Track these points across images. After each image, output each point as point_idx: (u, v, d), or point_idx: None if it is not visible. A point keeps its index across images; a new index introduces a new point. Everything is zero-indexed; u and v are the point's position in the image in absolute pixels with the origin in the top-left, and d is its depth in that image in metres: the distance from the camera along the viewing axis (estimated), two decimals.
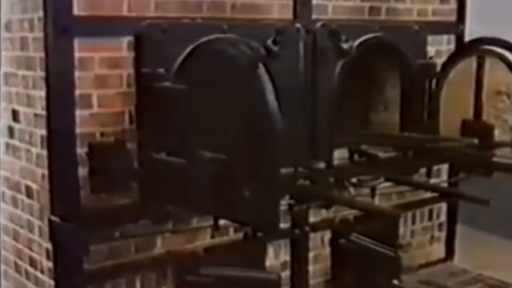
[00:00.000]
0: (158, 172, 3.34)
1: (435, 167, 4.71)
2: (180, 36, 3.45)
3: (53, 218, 3.29)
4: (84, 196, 3.32)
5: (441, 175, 4.84)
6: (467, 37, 4.76)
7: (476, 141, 4.09)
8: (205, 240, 3.78)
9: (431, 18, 4.62)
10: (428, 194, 4.82)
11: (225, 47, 3.04)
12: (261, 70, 2.89)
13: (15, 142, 3.62)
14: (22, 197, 3.62)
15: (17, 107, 3.56)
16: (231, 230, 3.85)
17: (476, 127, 4.19)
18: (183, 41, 3.45)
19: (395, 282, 3.93)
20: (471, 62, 4.21)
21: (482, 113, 4.18)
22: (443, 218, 5.00)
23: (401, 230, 4.74)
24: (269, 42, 3.75)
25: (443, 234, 5.02)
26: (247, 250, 3.96)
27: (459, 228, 5.24)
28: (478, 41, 4.24)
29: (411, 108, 4.49)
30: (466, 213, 5.27)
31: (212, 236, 3.80)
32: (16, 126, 3.60)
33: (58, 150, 3.27)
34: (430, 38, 4.57)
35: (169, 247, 3.65)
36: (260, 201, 2.94)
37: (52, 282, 3.39)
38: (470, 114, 4.25)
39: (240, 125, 2.98)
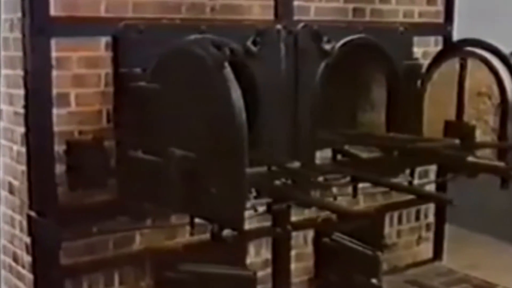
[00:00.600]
0: (134, 169, 3.41)
1: (422, 168, 4.79)
2: (157, 37, 3.51)
3: (31, 213, 3.39)
4: (61, 192, 3.40)
5: (429, 175, 4.88)
6: (456, 38, 4.79)
7: (457, 141, 4.13)
8: (184, 237, 3.85)
9: (417, 19, 4.65)
10: None
11: (194, 48, 3.10)
12: (227, 70, 2.94)
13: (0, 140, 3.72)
14: (5, 193, 3.71)
15: (1, 106, 3.66)
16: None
17: (458, 128, 4.21)
18: (160, 41, 3.51)
19: (374, 281, 3.96)
20: (455, 64, 4.24)
21: (463, 114, 4.20)
22: (431, 218, 5.03)
23: (387, 230, 4.77)
24: (249, 42, 3.87)
25: (431, 235, 5.05)
26: (227, 247, 4.04)
27: (449, 228, 5.28)
28: (461, 43, 4.26)
29: (397, 109, 4.53)
30: (457, 213, 5.32)
31: (191, 234, 3.87)
32: (1, 124, 3.70)
33: (36, 148, 3.36)
34: (416, 39, 4.61)
35: (148, 244, 3.72)
36: (225, 198, 3.00)
37: (31, 276, 3.48)
38: (453, 115, 4.27)
39: (207, 124, 3.04)
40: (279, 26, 4.00)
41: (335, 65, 4.21)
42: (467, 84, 4.16)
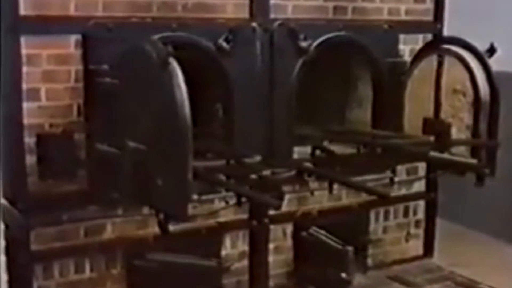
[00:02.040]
0: (101, 161, 3.59)
1: (411, 165, 4.82)
2: (126, 35, 3.67)
3: (3, 201, 3.60)
4: (32, 182, 3.60)
5: (418, 172, 4.90)
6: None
7: (432, 138, 4.15)
8: (156, 227, 3.99)
9: (404, 17, 4.67)
10: (403, 191, 4.91)
11: (143, 45, 3.24)
12: (171, 66, 3.07)
13: None
14: None
15: None
16: None
17: (435, 125, 4.23)
18: (129, 39, 3.67)
19: (343, 275, 4.02)
20: (433, 61, 4.25)
21: (440, 111, 4.21)
22: (421, 215, 5.03)
23: (373, 226, 4.81)
24: (220, 40, 3.98)
25: (420, 232, 5.05)
26: (202, 238, 4.18)
27: (447, 226, 5.28)
28: (439, 40, 4.27)
29: (378, 105, 4.57)
30: (452, 209, 5.32)
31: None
32: None
33: (7, 139, 3.56)
34: (403, 37, 4.64)
35: (119, 233, 3.88)
36: (170, 190, 3.13)
37: (3, 258, 3.66)
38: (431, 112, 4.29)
39: (154, 118, 3.18)
40: (254, 24, 4.10)
41: (313, 63, 4.29)
42: (444, 81, 4.17)
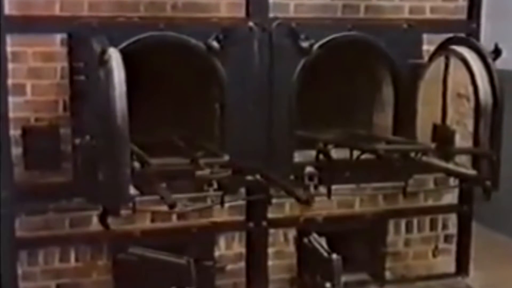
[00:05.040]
0: (80, 155, 3.74)
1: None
2: (111, 34, 3.77)
3: None
4: (18, 172, 3.82)
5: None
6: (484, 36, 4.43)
7: (432, 146, 3.87)
8: (144, 223, 4.07)
9: (429, 15, 4.37)
10: (429, 203, 4.60)
11: (92, 42, 3.32)
12: (109, 65, 3.12)
13: None
14: None
15: None
16: (174, 216, 4.11)
17: (442, 132, 3.92)
18: (113, 39, 3.77)
19: (328, 285, 3.85)
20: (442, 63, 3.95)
21: (447, 116, 3.90)
22: (452, 229, 4.67)
23: (391, 237, 4.54)
24: (210, 40, 3.98)
25: (452, 247, 4.68)
26: (194, 237, 4.19)
27: (481, 232, 4.85)
28: (449, 41, 3.95)
29: (395, 109, 4.32)
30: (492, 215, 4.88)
31: (152, 220, 4.09)
32: None
33: None
34: (428, 37, 4.35)
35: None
36: (108, 185, 3.19)
37: None
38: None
39: (99, 115, 3.26)
40: (251, 24, 4.05)
41: (317, 64, 4.15)
42: (450, 85, 3.85)
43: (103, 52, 3.13)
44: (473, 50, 3.73)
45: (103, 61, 3.12)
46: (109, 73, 3.13)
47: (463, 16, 4.45)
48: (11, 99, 3.76)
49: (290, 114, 4.15)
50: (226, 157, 3.69)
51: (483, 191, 3.74)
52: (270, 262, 4.32)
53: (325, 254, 3.92)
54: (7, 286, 3.85)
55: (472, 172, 3.68)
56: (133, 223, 4.05)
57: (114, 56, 3.23)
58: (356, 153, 4.02)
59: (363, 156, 4.12)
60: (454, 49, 3.82)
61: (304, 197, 3.55)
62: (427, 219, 4.62)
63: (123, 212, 3.84)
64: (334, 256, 3.88)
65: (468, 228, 4.68)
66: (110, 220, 3.90)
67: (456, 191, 4.59)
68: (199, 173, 3.41)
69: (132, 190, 3.29)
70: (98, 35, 3.46)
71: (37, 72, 3.79)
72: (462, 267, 4.70)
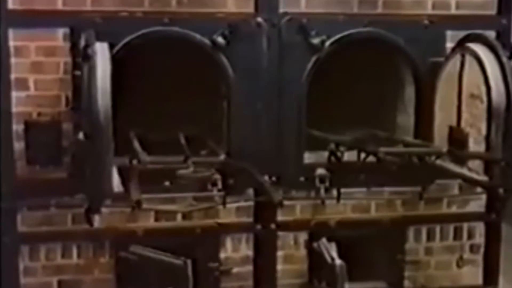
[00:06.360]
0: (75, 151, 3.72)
1: None
2: (114, 29, 3.73)
3: None
4: (20, 166, 3.82)
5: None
6: None
7: (444, 149, 3.63)
8: (148, 222, 4.00)
9: (454, 11, 4.12)
10: (453, 210, 4.33)
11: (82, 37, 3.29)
12: (93, 61, 3.06)
13: None
14: None
15: None
16: (179, 216, 4.02)
17: (456, 135, 3.67)
18: (116, 34, 3.73)
19: None
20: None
21: (461, 118, 3.64)
22: (479, 239, 4.38)
23: (411, 244, 4.30)
24: (215, 35, 3.87)
25: (479, 257, 4.40)
26: (199, 238, 4.08)
27: None
28: (466, 38, 3.69)
29: (421, 111, 4.09)
30: None
31: (156, 219, 4.01)
32: None
33: None
34: (453, 34, 4.09)
35: (108, 224, 3.94)
36: (92, 181, 3.14)
37: None
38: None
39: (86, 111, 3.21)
40: (259, 19, 3.92)
41: (329, 62, 3.97)
42: (464, 84, 3.60)
43: (86, 46, 3.07)
44: (489, 48, 3.47)
45: (86, 56, 3.06)
46: (92, 69, 3.06)
47: (492, 11, 4.19)
48: (13, 94, 3.77)
49: (300, 113, 3.99)
50: (222, 156, 3.57)
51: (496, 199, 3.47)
52: (279, 266, 4.17)
53: (329, 259, 3.75)
54: (8, 281, 3.88)
55: (483, 178, 3.42)
56: (136, 221, 4.00)
57: (101, 51, 3.17)
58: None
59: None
60: (469, 47, 3.56)
61: (277, 199, 3.39)
62: (450, 227, 4.36)
63: (127, 209, 3.90)
64: (338, 262, 3.71)
65: (497, 238, 4.39)
66: (113, 217, 3.94)
67: (483, 198, 4.32)
68: (180, 172, 3.31)
69: (118, 187, 3.22)
70: (89, 30, 3.40)
71: (39, 67, 3.78)
72: (490, 279, 4.41)
